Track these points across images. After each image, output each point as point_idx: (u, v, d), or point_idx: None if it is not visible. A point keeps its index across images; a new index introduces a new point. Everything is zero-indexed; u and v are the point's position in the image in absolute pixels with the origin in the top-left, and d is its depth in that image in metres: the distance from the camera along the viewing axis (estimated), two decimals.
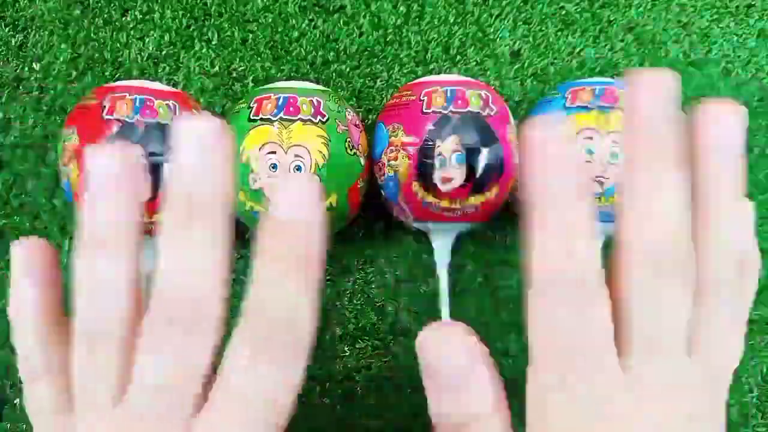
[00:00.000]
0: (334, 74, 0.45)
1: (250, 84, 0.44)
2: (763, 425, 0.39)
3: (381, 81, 0.44)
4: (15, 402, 0.38)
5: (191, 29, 0.45)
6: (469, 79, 0.37)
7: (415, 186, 0.35)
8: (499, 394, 0.18)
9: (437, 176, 0.34)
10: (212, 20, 0.45)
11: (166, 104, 0.35)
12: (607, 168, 0.34)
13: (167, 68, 0.44)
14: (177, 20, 0.45)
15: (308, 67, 0.45)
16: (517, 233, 0.42)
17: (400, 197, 0.35)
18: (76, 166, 0.34)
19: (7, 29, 0.45)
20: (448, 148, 0.34)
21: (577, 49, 0.45)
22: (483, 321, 0.40)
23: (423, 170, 0.34)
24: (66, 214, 0.42)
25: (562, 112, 0.37)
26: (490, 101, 0.35)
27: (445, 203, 0.35)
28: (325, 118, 0.35)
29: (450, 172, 0.34)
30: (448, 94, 0.35)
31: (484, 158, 0.34)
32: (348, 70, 0.45)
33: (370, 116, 0.44)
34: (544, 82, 0.45)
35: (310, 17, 0.46)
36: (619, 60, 0.45)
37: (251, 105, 0.36)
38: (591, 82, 0.37)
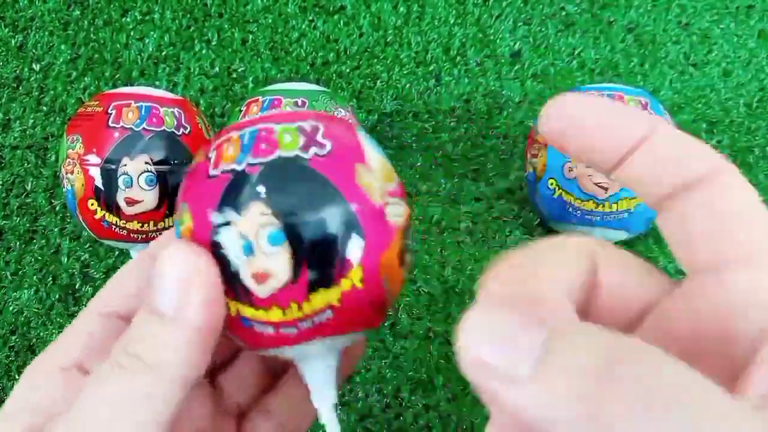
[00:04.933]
0: (334, 75, 0.45)
1: (250, 85, 0.44)
2: None
3: (381, 81, 0.44)
4: None
5: (191, 30, 0.45)
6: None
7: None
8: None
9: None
10: (212, 21, 0.45)
11: (171, 112, 0.35)
12: None
13: (167, 69, 0.44)
14: (177, 20, 0.45)
15: (308, 67, 0.45)
16: (517, 233, 0.42)
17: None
18: (81, 174, 0.34)
19: (7, 29, 0.45)
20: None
21: (578, 50, 0.45)
22: None
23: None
24: (66, 214, 0.42)
25: None
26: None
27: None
28: None
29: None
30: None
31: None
32: (348, 70, 0.45)
33: (370, 117, 0.44)
34: (544, 83, 0.45)
35: (310, 18, 0.46)
36: (619, 60, 0.45)
37: (242, 108, 0.36)
38: (599, 87, 0.37)
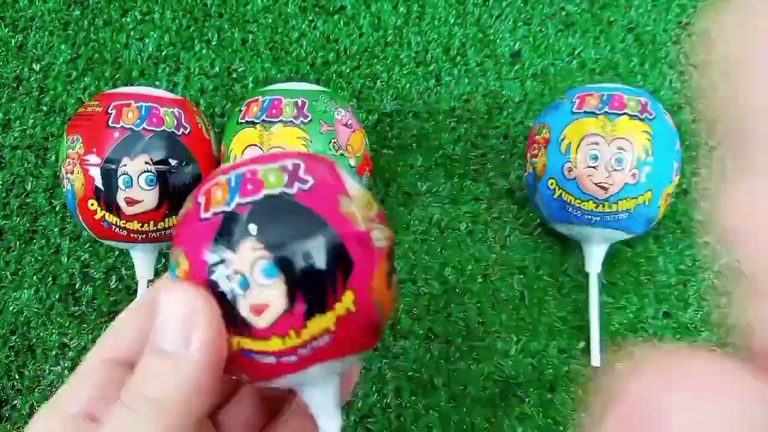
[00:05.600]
0: (334, 75, 0.45)
1: (250, 85, 0.44)
2: None
3: (381, 81, 0.44)
4: (15, 402, 0.38)
5: (191, 29, 0.45)
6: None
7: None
8: None
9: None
10: (212, 21, 0.45)
11: (171, 112, 0.35)
12: (611, 174, 0.34)
13: (167, 69, 0.44)
14: (177, 20, 0.45)
15: (308, 67, 0.45)
16: (517, 233, 0.42)
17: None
18: (81, 173, 0.34)
19: (7, 29, 0.45)
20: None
21: (578, 50, 0.45)
22: (483, 321, 0.40)
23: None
24: (66, 214, 0.42)
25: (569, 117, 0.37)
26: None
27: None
28: (308, 119, 0.35)
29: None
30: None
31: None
32: (348, 70, 0.45)
33: (370, 117, 0.44)
34: (544, 83, 0.45)
35: (310, 18, 0.46)
36: (619, 60, 0.45)
37: (242, 108, 0.36)
38: (599, 87, 0.37)
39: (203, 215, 0.19)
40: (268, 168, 0.19)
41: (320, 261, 0.18)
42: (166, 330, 0.17)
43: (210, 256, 0.18)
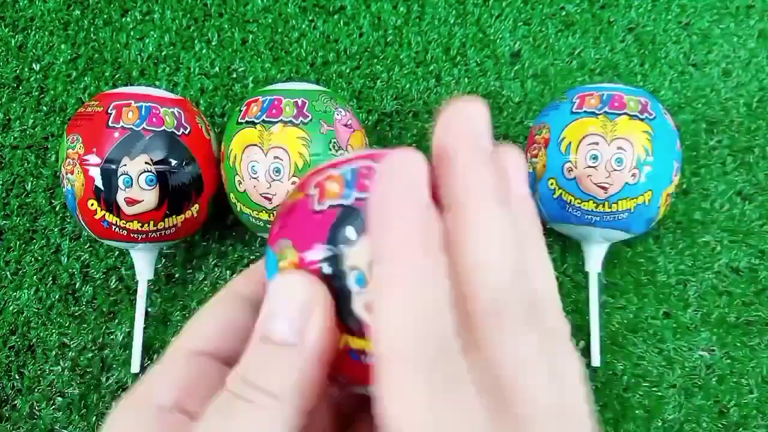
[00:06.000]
0: (334, 75, 0.45)
1: (250, 84, 0.44)
2: (763, 426, 0.39)
3: (381, 81, 0.44)
4: (15, 402, 0.38)
5: (191, 29, 0.45)
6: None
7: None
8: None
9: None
10: (212, 20, 0.45)
11: (171, 112, 0.35)
12: (611, 174, 0.34)
13: (167, 69, 0.44)
14: (177, 20, 0.45)
15: (308, 67, 0.45)
16: None
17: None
18: (81, 173, 0.34)
19: (7, 29, 0.45)
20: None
21: (578, 50, 0.45)
22: None
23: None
24: (66, 214, 0.42)
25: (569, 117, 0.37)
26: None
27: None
28: (308, 119, 0.35)
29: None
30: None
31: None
32: (348, 70, 0.45)
33: (370, 117, 0.44)
34: (545, 83, 0.45)
35: (310, 18, 0.46)
36: (619, 60, 0.45)
37: (242, 108, 0.36)
38: (599, 87, 0.37)
39: (317, 207, 0.18)
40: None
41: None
42: (280, 317, 0.16)
43: (325, 250, 0.17)
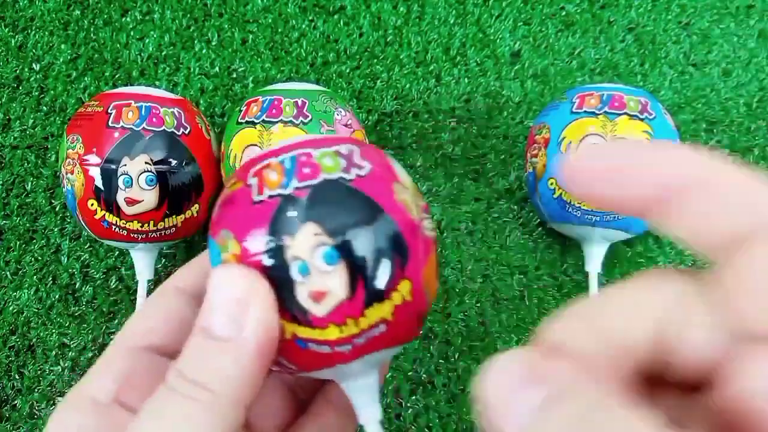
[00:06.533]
0: (334, 75, 0.45)
1: (250, 84, 0.44)
2: None
3: (381, 81, 0.44)
4: (15, 402, 0.38)
5: (191, 29, 0.45)
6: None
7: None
8: None
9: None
10: (212, 20, 0.45)
11: (171, 112, 0.35)
12: None
13: (167, 69, 0.44)
14: (177, 20, 0.45)
15: (308, 67, 0.45)
16: (517, 233, 0.42)
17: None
18: (81, 173, 0.34)
19: (7, 29, 0.45)
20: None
21: (578, 50, 0.45)
22: (483, 321, 0.40)
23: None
24: (66, 214, 0.42)
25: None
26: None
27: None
28: (308, 119, 0.35)
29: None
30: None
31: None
32: (348, 70, 0.45)
33: (370, 117, 0.44)
34: (545, 83, 0.45)
35: (310, 18, 0.46)
36: (619, 60, 0.45)
37: (242, 108, 0.36)
38: (599, 87, 0.37)
39: (256, 198, 0.18)
40: (323, 152, 0.18)
41: (380, 249, 0.18)
42: (219, 311, 0.16)
43: (267, 241, 0.17)
